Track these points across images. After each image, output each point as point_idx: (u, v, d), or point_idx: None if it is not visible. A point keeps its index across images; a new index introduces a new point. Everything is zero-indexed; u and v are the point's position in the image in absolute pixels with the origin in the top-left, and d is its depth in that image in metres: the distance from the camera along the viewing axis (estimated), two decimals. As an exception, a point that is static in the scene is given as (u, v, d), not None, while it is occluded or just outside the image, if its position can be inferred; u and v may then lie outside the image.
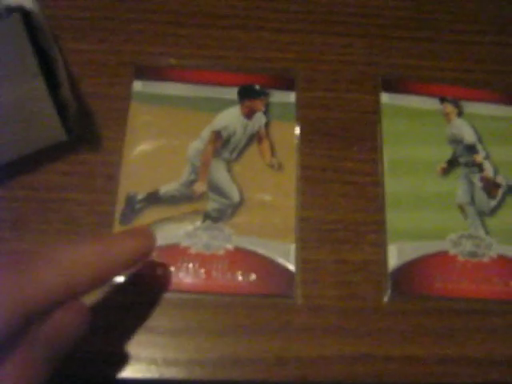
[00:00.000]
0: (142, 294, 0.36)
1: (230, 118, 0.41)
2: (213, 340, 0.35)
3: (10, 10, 0.29)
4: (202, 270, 0.37)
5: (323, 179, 0.40)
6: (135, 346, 0.35)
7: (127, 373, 0.34)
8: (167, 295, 0.36)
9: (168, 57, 0.43)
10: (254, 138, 0.41)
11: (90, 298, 0.34)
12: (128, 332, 0.35)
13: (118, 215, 0.38)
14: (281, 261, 0.37)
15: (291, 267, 0.37)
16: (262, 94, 0.42)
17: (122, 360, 0.34)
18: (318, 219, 0.39)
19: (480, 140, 0.42)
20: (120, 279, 0.36)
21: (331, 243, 0.39)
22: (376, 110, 0.43)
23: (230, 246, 0.37)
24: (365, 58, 0.44)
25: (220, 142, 0.40)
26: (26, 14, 0.29)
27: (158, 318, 0.36)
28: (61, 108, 0.36)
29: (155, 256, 0.36)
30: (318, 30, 0.45)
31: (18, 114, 0.36)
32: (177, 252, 0.37)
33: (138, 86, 0.42)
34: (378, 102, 0.43)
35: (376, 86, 0.43)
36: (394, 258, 0.38)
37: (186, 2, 0.45)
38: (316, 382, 0.35)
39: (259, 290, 0.37)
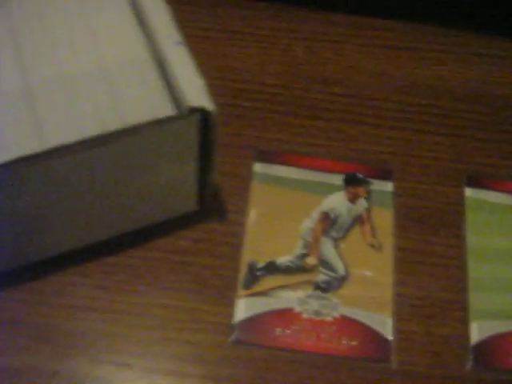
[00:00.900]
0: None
1: (337, 202, 0.47)
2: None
3: (193, 110, 0.36)
4: (313, 334, 0.43)
5: (415, 260, 0.46)
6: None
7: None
8: (283, 353, 0.42)
9: (283, 143, 0.50)
10: (357, 220, 0.47)
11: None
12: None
13: (240, 280, 0.44)
14: (379, 330, 0.43)
15: (388, 336, 0.43)
16: (364, 182, 0.48)
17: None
18: (410, 295, 0.45)
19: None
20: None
21: (422, 317, 0.44)
22: (461, 202, 0.49)
23: (336, 314, 0.43)
24: (451, 155, 0.51)
25: (328, 222, 0.47)
26: (204, 114, 0.36)
27: (273, 372, 0.42)
28: (203, 186, 0.43)
29: (272, 318, 0.42)
30: (412, 128, 0.52)
31: (165, 189, 0.43)
32: (291, 316, 0.43)
33: (257, 167, 0.49)
34: (462, 195, 0.49)
35: (461, 180, 0.50)
36: (476, 333, 0.44)
37: (300, 96, 0.52)
38: None
39: (360, 353, 0.43)
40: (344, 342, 0.43)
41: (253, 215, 0.46)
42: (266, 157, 0.49)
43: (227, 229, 0.46)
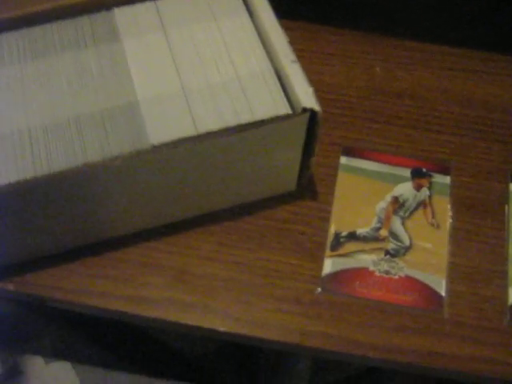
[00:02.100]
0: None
1: (405, 189, 0.60)
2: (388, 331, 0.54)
3: (305, 110, 0.50)
4: (383, 287, 0.56)
5: (466, 238, 0.59)
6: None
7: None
8: (358, 300, 0.55)
9: (364, 142, 0.63)
10: (421, 204, 0.60)
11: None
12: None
13: (328, 244, 0.58)
14: (435, 288, 0.56)
15: (442, 293, 0.56)
16: (427, 175, 0.61)
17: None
18: (461, 264, 0.57)
19: None
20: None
21: (469, 281, 0.57)
22: (505, 194, 0.61)
23: (402, 274, 0.56)
24: (499, 157, 0.63)
25: (398, 204, 0.60)
26: (313, 113, 0.50)
27: (350, 314, 0.55)
28: (303, 170, 0.57)
29: (351, 274, 0.56)
30: (468, 134, 0.64)
31: (274, 171, 0.57)
32: (366, 273, 0.56)
33: (343, 160, 0.62)
34: (506, 189, 0.62)
35: (506, 177, 0.62)
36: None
37: (378, 106, 0.65)
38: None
39: (419, 304, 0.55)
40: (407, 294, 0.55)
41: (338, 196, 0.60)
42: (350, 152, 0.62)
43: (318, 205, 0.59)
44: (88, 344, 0.86)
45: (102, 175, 0.47)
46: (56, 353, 0.84)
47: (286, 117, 0.49)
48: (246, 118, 0.48)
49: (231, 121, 0.48)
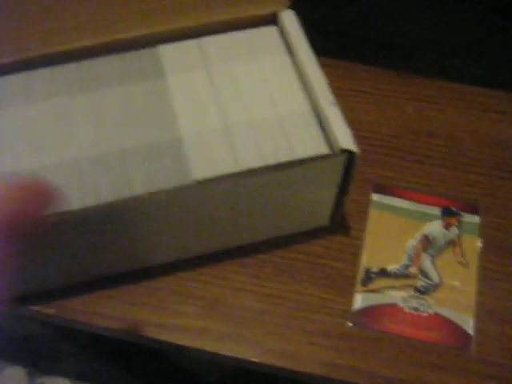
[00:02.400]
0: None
1: (435, 228, 0.62)
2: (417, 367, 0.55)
3: (343, 151, 0.52)
4: (412, 324, 0.57)
5: (495, 277, 0.60)
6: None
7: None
8: (387, 336, 0.57)
9: (394, 180, 0.65)
10: (450, 243, 0.61)
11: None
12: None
13: (358, 279, 0.59)
14: (463, 326, 0.57)
15: (470, 331, 0.57)
16: (456, 214, 0.63)
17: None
18: (489, 303, 0.59)
19: None
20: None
21: (497, 320, 0.58)
22: (534, 235, 0.63)
23: (431, 311, 0.58)
24: (528, 198, 0.65)
25: (427, 242, 0.61)
26: (350, 154, 0.52)
27: (379, 349, 0.56)
28: (336, 207, 0.59)
29: (381, 309, 0.57)
30: (497, 175, 0.65)
31: (308, 207, 0.58)
32: (395, 309, 0.58)
33: (374, 197, 0.64)
34: (535, 230, 0.63)
35: (535, 219, 0.64)
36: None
37: (408, 145, 0.67)
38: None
39: (447, 342, 0.56)
40: (435, 332, 0.57)
41: (369, 232, 0.61)
42: (381, 189, 0.64)
43: (350, 241, 0.61)
44: (112, 367, 0.88)
45: (146, 208, 0.49)
46: (81, 375, 0.86)
47: (325, 157, 0.51)
48: (285, 156, 0.50)
49: (271, 159, 0.50)
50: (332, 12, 0.73)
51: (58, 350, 0.87)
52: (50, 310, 0.56)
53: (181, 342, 0.55)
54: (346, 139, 0.50)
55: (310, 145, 0.51)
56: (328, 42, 0.60)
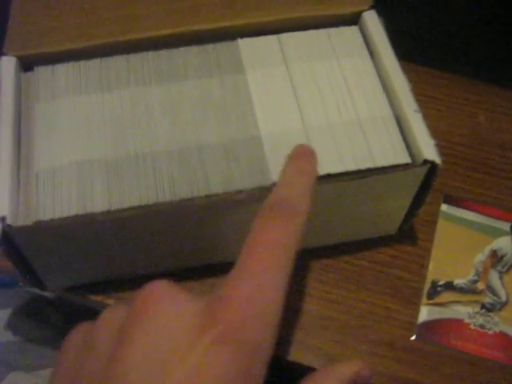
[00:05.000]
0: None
1: (504, 244, 0.60)
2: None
3: (426, 161, 0.50)
4: (477, 341, 0.56)
5: None
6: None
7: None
8: (451, 351, 0.55)
9: (465, 191, 0.63)
10: (520, 260, 0.60)
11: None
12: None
13: (425, 292, 0.58)
14: (530, 347, 0.56)
15: None
16: (527, 231, 0.61)
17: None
18: (556, 325, 0.57)
19: None
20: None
21: None
22: None
23: (497, 329, 0.56)
24: None
25: (496, 258, 0.60)
26: (432, 165, 0.50)
27: (442, 364, 0.55)
28: (408, 217, 0.57)
29: (446, 324, 0.56)
30: None
31: (380, 215, 0.57)
32: (461, 325, 0.57)
33: (444, 207, 0.62)
34: None
35: None
36: None
37: (480, 156, 0.65)
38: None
39: (511, 361, 0.55)
40: (500, 351, 0.55)
41: (437, 244, 0.60)
42: (451, 200, 0.62)
43: (417, 251, 0.59)
44: None
45: (222, 206, 0.48)
46: None
47: (406, 167, 0.49)
48: (366, 163, 0.49)
49: (351, 165, 0.49)
50: (408, 14, 0.70)
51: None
52: (109, 301, 0.55)
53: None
54: (429, 149, 0.49)
55: (392, 153, 0.50)
56: (400, 45, 0.58)
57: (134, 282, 0.53)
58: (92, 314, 0.62)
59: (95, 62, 0.54)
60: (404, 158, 0.49)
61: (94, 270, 0.53)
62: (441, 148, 0.60)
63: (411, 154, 0.50)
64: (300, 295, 0.56)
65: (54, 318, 0.77)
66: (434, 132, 0.60)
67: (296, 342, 0.54)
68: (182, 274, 0.56)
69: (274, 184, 0.46)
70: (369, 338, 0.55)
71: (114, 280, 0.55)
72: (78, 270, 0.53)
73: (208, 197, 0.48)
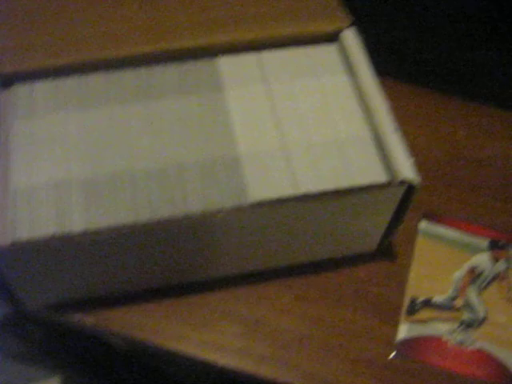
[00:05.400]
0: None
1: (482, 260, 0.61)
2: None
3: (403, 182, 0.50)
4: (456, 358, 0.56)
5: (540, 315, 0.59)
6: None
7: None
8: (430, 368, 0.55)
9: (443, 208, 0.64)
10: (497, 277, 0.60)
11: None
12: None
13: (404, 309, 0.58)
14: (507, 363, 0.56)
15: None
16: (505, 247, 0.62)
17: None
18: (534, 342, 0.58)
19: None
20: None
21: (541, 361, 0.57)
22: None
23: (475, 347, 0.57)
24: None
25: (474, 275, 0.60)
26: (410, 185, 0.51)
27: (422, 381, 0.55)
28: (386, 234, 0.58)
29: (426, 341, 0.56)
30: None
31: (358, 233, 0.57)
32: (440, 342, 0.57)
33: (423, 224, 0.63)
34: None
35: None
36: None
37: (458, 173, 0.66)
38: None
39: (490, 380, 0.55)
40: (479, 368, 0.56)
41: (416, 261, 0.60)
42: (430, 217, 0.63)
43: (396, 269, 0.60)
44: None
45: (199, 226, 0.48)
46: None
47: (384, 186, 0.49)
48: (344, 182, 0.49)
49: (330, 184, 0.49)
50: (389, 31, 0.71)
51: (40, 370, 0.86)
52: (89, 319, 0.54)
53: (221, 362, 0.53)
54: (407, 169, 0.49)
55: (370, 172, 0.50)
56: (380, 61, 0.58)
57: (113, 300, 0.53)
58: (74, 331, 0.62)
59: (74, 80, 0.54)
60: (382, 178, 0.50)
61: (72, 288, 0.53)
62: (420, 164, 0.60)
63: (389, 174, 0.50)
64: (278, 312, 0.56)
65: (35, 334, 0.77)
66: (414, 148, 0.61)
67: (275, 360, 0.54)
68: (162, 292, 0.55)
69: (253, 204, 0.46)
70: (348, 356, 0.55)
71: (94, 298, 0.55)
72: (57, 289, 0.52)
73: (187, 217, 0.47)
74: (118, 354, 0.87)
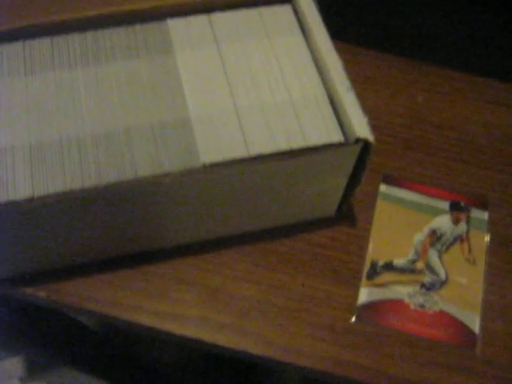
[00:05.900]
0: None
1: (443, 222, 0.60)
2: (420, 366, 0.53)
3: (359, 140, 0.49)
4: (417, 321, 0.55)
5: (502, 275, 0.58)
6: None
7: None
8: (391, 332, 0.55)
9: (403, 171, 0.63)
10: (458, 238, 0.60)
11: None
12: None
13: (364, 273, 0.57)
14: (469, 325, 0.55)
15: (476, 330, 0.55)
16: (465, 210, 0.61)
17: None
18: (496, 302, 0.57)
19: None
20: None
21: (504, 319, 0.56)
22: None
23: (436, 309, 0.56)
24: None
25: (435, 237, 0.59)
26: (365, 144, 0.50)
27: (383, 341, 0.54)
28: (345, 197, 0.56)
29: (386, 305, 0.55)
30: (508, 171, 0.64)
31: (316, 197, 0.56)
32: (401, 305, 0.56)
33: (383, 188, 0.62)
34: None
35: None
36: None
37: (418, 135, 0.65)
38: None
39: (452, 340, 0.55)
40: (440, 330, 0.55)
41: (376, 224, 0.59)
42: (390, 180, 0.62)
43: (356, 232, 0.59)
44: (63, 362, 0.85)
45: (149, 190, 0.47)
46: (31, 372, 0.83)
47: (340, 145, 0.48)
48: (298, 143, 0.48)
49: (283, 145, 0.48)
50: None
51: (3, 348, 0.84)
52: (41, 292, 0.53)
53: (179, 332, 0.52)
54: (362, 128, 0.48)
55: (324, 132, 0.49)
56: (340, 26, 0.57)
57: (66, 272, 0.52)
58: (40, 310, 0.60)
59: (18, 45, 0.52)
60: (337, 137, 0.48)
61: (23, 261, 0.51)
62: (380, 128, 0.59)
63: (344, 133, 0.49)
64: (236, 280, 0.55)
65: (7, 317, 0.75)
66: (373, 113, 0.60)
67: (234, 328, 0.53)
68: (116, 262, 0.54)
69: (204, 166, 0.44)
70: (309, 322, 0.54)
71: (46, 271, 0.53)
72: (7, 262, 0.51)
73: (135, 181, 0.46)
74: (90, 336, 0.85)
